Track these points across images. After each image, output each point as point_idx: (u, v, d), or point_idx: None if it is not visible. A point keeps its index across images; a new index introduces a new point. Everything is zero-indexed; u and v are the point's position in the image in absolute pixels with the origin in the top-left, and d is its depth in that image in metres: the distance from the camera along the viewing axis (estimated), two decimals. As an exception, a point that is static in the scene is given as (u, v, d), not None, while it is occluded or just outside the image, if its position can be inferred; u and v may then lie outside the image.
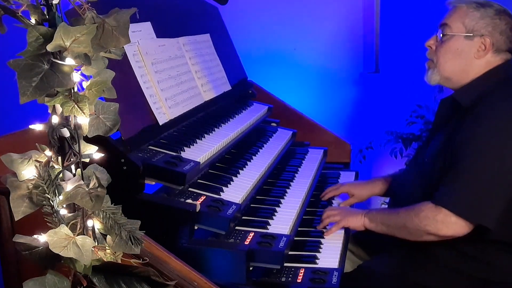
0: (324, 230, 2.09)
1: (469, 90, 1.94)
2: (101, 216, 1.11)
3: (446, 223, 1.80)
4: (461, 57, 1.95)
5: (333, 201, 2.39)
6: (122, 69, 1.73)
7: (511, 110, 1.81)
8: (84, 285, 1.10)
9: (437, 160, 1.92)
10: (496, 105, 1.83)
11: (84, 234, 1.08)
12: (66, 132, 1.07)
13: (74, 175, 1.09)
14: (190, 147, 1.92)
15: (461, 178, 1.80)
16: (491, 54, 1.93)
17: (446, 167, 1.86)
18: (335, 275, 1.76)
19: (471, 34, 1.92)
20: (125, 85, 1.81)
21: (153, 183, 1.74)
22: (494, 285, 1.86)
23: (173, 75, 2.11)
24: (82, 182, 1.07)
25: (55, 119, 1.07)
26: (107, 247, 1.13)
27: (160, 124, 1.91)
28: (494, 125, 1.79)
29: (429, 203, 1.84)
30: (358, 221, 2.04)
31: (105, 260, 1.13)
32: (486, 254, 1.84)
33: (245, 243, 1.72)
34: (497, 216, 1.78)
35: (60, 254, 1.03)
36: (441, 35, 1.99)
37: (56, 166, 1.09)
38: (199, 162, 1.81)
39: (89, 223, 1.11)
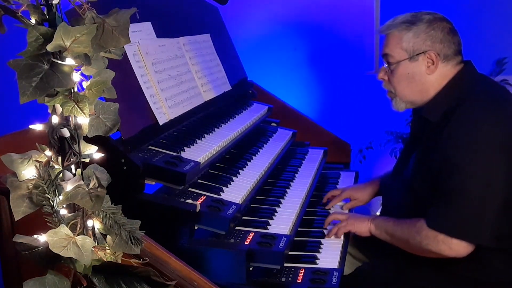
0: (325, 230, 2.10)
1: (435, 106, 1.93)
2: (101, 216, 1.11)
3: (448, 244, 1.80)
4: (415, 79, 1.94)
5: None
6: (122, 69, 1.73)
7: (482, 124, 1.78)
8: (84, 285, 1.10)
9: (417, 177, 1.92)
10: (466, 121, 1.80)
11: (84, 234, 1.08)
12: (66, 132, 1.07)
13: (74, 175, 1.09)
14: (190, 147, 1.92)
15: (453, 201, 1.78)
16: (441, 64, 1.91)
17: (430, 186, 1.85)
18: (335, 275, 1.76)
19: (414, 55, 1.92)
20: (125, 85, 1.81)
21: (153, 183, 1.74)
22: (491, 287, 1.86)
23: (173, 75, 2.11)
24: (82, 182, 1.07)
25: (55, 119, 1.07)
26: (107, 247, 1.13)
27: (160, 124, 1.91)
28: (471, 142, 1.77)
29: (427, 227, 1.82)
30: (365, 227, 2.05)
31: (105, 260, 1.13)
32: (482, 256, 1.84)
33: (245, 243, 1.72)
34: (491, 231, 1.78)
35: (60, 254, 1.03)
36: (387, 65, 1.99)
37: (56, 166, 1.09)
38: (199, 162, 1.81)
39: (89, 223, 1.11)
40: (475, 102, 1.84)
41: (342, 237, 2.07)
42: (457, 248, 1.79)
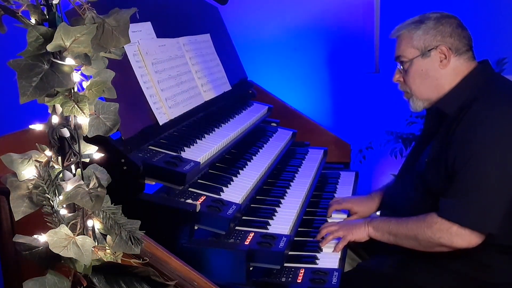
0: (321, 240, 2.04)
1: (451, 98, 1.94)
2: (101, 216, 1.11)
3: (461, 235, 1.81)
4: (429, 75, 1.96)
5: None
6: (122, 69, 1.73)
7: (498, 119, 1.80)
8: (84, 285, 1.10)
9: (431, 169, 1.92)
10: (484, 116, 1.81)
11: (84, 234, 1.08)
12: (66, 132, 1.07)
13: (74, 175, 1.09)
14: (190, 147, 1.92)
15: (468, 192, 1.80)
16: (454, 58, 1.94)
17: (446, 178, 1.85)
18: (335, 276, 1.76)
19: (426, 51, 1.94)
20: (125, 85, 1.81)
21: (153, 183, 1.74)
22: (493, 287, 1.86)
23: (173, 75, 2.11)
24: (82, 182, 1.07)
25: (55, 119, 1.07)
26: (107, 247, 1.13)
27: (160, 124, 1.91)
28: (489, 135, 1.79)
29: (439, 218, 1.83)
30: (362, 232, 2.03)
31: (105, 260, 1.13)
32: (485, 256, 1.85)
33: (245, 243, 1.72)
34: (500, 221, 1.79)
35: (60, 254, 1.03)
36: (401, 66, 2.02)
37: (56, 166, 1.09)
38: (199, 162, 1.81)
39: (89, 223, 1.11)
40: (492, 98, 1.87)
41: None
42: (469, 238, 1.81)
